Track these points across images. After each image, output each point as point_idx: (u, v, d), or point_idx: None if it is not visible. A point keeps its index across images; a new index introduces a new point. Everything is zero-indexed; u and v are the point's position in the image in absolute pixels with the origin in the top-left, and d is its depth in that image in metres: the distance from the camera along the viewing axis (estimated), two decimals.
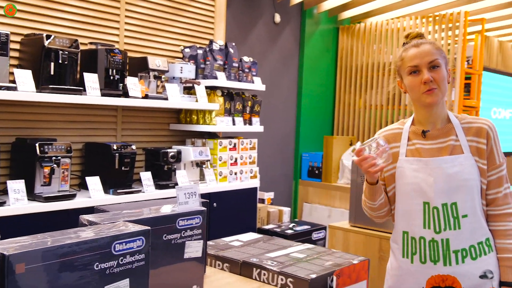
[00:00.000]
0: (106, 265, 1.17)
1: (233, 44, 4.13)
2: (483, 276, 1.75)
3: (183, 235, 1.50)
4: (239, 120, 4.06)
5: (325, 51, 6.09)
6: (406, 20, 5.69)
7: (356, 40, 6.09)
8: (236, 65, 4.05)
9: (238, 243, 2.01)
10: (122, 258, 1.20)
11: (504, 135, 7.29)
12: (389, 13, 5.93)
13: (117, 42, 3.69)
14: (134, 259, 1.23)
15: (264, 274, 1.68)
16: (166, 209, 1.54)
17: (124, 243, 1.20)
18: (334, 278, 1.66)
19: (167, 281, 1.47)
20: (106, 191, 3.21)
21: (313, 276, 1.61)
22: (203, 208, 1.57)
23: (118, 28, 3.69)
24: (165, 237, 1.46)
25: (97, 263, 1.15)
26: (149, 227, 1.27)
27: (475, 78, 5.93)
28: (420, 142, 1.86)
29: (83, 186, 3.31)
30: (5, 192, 2.86)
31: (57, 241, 1.10)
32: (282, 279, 1.63)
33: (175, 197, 1.54)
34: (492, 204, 1.83)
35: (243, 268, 1.74)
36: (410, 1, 5.44)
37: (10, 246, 1.04)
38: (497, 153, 1.84)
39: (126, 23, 3.72)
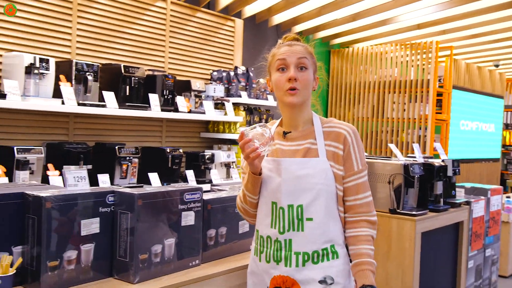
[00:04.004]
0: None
1: (252, 68, 5.12)
2: (323, 282, 1.70)
3: None
4: None
5: (319, 71, 7.12)
6: (387, 46, 6.77)
7: (345, 62, 7.16)
8: (255, 85, 5.05)
9: None
10: None
11: (471, 144, 8.42)
12: (373, 41, 7.03)
13: (163, 67, 4.66)
14: None
15: None
16: None
17: None
18: None
19: None
20: (161, 184, 4.15)
21: None
22: None
23: (163, 56, 4.66)
24: None
25: (234, 208, 2.12)
26: None
27: (445, 95, 7.03)
28: (281, 143, 1.82)
29: (140, 181, 4.24)
30: (91, 183, 3.79)
31: (219, 195, 2.08)
32: None
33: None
34: (350, 211, 1.77)
35: None
36: (390, 32, 6.53)
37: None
38: (356, 160, 1.78)
39: (169, 52, 4.69)
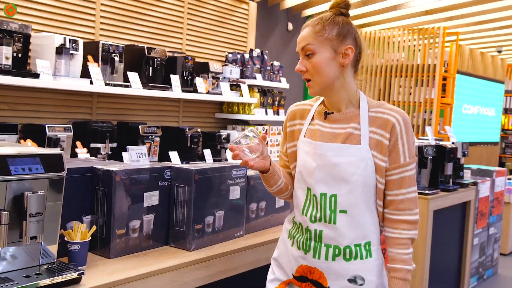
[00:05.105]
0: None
1: (267, 51, 5.25)
2: (352, 281, 1.58)
3: None
4: (270, 111, 5.19)
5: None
6: (395, 31, 6.90)
7: None
8: (269, 68, 5.18)
9: None
10: None
11: (472, 128, 8.61)
12: (382, 25, 7.15)
13: (181, 48, 4.77)
14: None
15: None
16: None
17: None
18: None
19: None
20: (181, 162, 4.30)
21: None
22: None
23: (181, 38, 4.77)
24: None
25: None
26: None
27: (450, 80, 7.19)
28: (321, 123, 1.67)
29: (160, 159, 4.38)
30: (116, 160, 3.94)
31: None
32: None
33: None
34: (390, 206, 1.61)
35: None
36: (399, 17, 6.66)
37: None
38: (403, 151, 1.60)
39: (187, 34, 4.81)
